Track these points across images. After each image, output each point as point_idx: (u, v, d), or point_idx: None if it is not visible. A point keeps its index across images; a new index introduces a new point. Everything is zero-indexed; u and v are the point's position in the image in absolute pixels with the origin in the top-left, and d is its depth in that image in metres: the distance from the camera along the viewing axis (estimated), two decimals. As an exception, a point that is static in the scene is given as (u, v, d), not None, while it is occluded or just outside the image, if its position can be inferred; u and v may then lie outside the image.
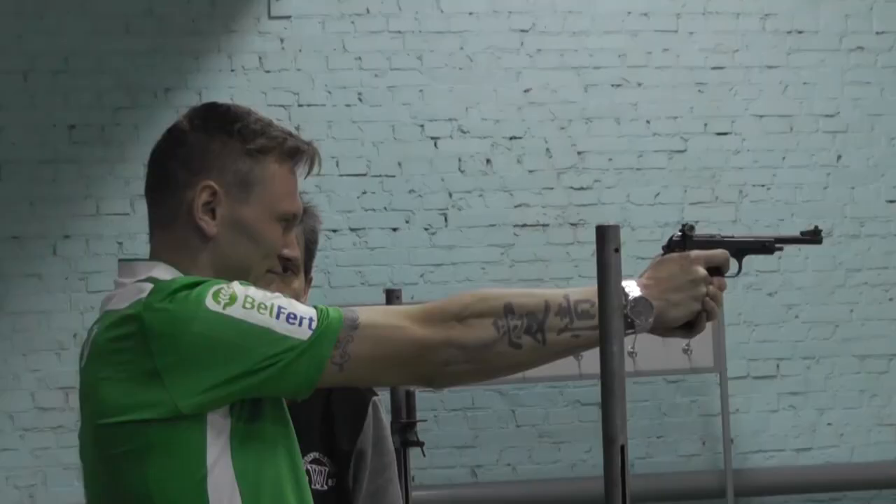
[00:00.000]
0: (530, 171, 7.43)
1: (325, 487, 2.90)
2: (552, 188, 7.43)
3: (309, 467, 2.86)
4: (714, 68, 7.57)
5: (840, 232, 7.61)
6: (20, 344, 6.98)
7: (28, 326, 6.98)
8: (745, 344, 7.50)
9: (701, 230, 7.47)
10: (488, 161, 7.40)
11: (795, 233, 2.60)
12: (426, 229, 7.33)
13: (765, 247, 2.57)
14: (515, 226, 7.39)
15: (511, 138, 7.42)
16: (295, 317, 2.20)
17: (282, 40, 7.27)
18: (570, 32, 7.47)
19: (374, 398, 3.00)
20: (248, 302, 2.19)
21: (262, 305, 2.19)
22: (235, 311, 2.18)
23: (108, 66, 7.10)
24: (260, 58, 7.26)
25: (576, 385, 7.19)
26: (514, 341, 2.26)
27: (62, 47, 7.06)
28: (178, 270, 2.29)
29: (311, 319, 2.20)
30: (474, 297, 2.28)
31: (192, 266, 2.30)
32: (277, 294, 2.25)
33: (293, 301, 2.24)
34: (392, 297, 3.22)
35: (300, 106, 7.25)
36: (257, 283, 2.30)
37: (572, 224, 7.41)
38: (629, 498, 2.18)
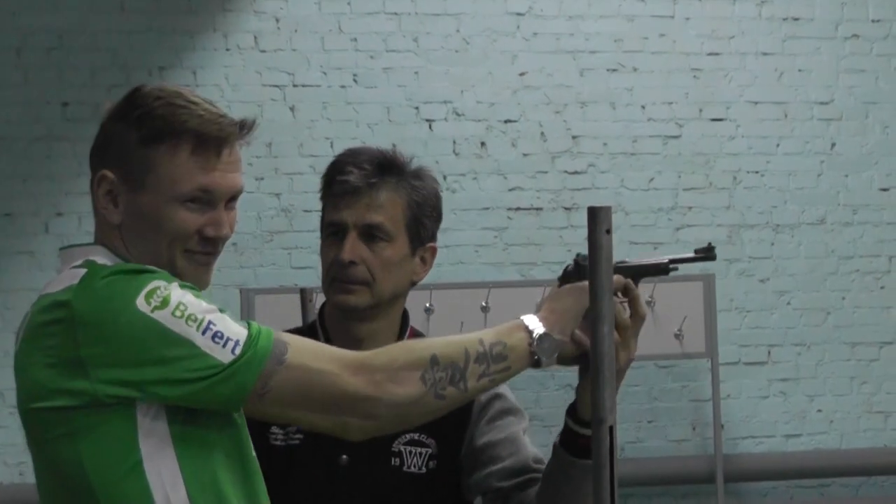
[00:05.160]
0: (525, 155, 7.43)
1: (424, 470, 2.75)
2: (546, 172, 7.43)
3: (402, 449, 2.73)
4: (710, 54, 7.57)
5: (833, 219, 7.62)
6: (12, 321, 6.98)
7: (20, 304, 6.97)
8: (737, 330, 7.51)
9: (695, 216, 7.50)
10: (483, 144, 7.40)
11: (689, 252, 2.58)
12: (420, 211, 7.33)
13: (659, 269, 2.54)
14: (509, 209, 7.39)
15: (506, 121, 7.42)
16: (221, 336, 2.17)
17: (277, 20, 7.26)
18: (566, 16, 7.47)
19: None
20: (178, 309, 2.17)
21: (192, 317, 2.17)
22: (162, 317, 2.16)
23: (103, 43, 7.09)
24: (255, 37, 7.25)
25: (567, 369, 7.18)
26: (440, 393, 2.28)
27: (56, 24, 7.05)
28: (115, 254, 2.29)
29: (236, 343, 2.18)
30: (401, 350, 2.30)
31: (119, 251, 2.29)
32: (215, 308, 2.21)
33: (228, 319, 2.20)
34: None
35: (295, 86, 7.24)
36: (176, 263, 2.28)
37: (566, 208, 7.41)
38: (617, 478, 2.19)
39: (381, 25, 7.32)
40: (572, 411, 2.58)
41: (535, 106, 7.43)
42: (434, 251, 2.84)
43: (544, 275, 7.24)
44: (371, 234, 2.74)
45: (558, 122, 7.45)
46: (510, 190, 7.40)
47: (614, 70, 7.50)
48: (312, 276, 7.06)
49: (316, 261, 7.28)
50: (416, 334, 2.85)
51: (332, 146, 7.22)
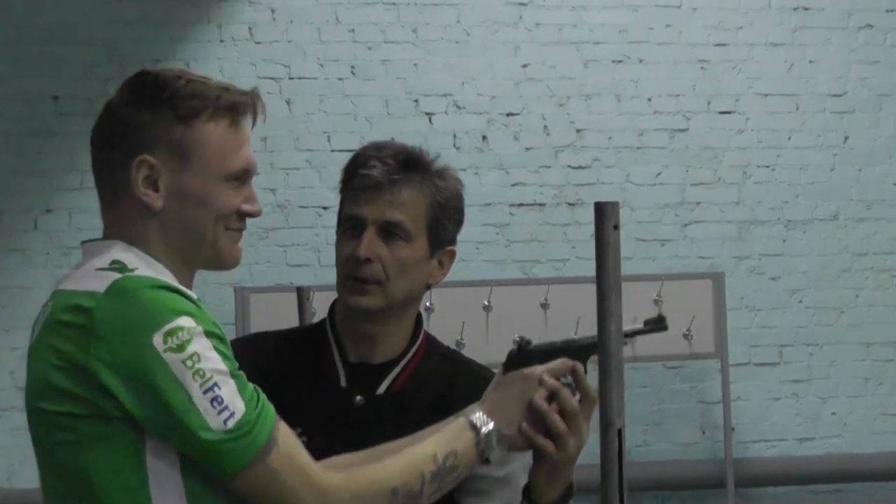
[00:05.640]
0: (527, 149, 7.41)
1: None
2: (549, 167, 7.42)
3: None
4: (717, 45, 7.56)
5: (846, 215, 7.61)
6: (2, 320, 6.98)
7: (8, 302, 6.96)
8: (747, 329, 7.49)
9: (703, 212, 7.39)
10: (484, 138, 7.39)
11: (639, 324, 2.56)
12: (419, 207, 7.31)
13: None
14: (511, 205, 7.37)
15: (508, 115, 7.41)
16: (220, 402, 2.17)
17: (273, 10, 7.25)
18: (569, 6, 7.46)
19: None
20: (190, 359, 2.16)
21: (200, 373, 2.17)
22: (171, 360, 2.16)
23: (96, 35, 7.08)
24: (250, 28, 7.24)
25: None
26: None
27: (48, 16, 7.03)
28: (138, 248, 2.28)
29: (231, 415, 2.18)
30: (366, 483, 2.29)
31: (144, 241, 2.29)
32: (228, 370, 2.20)
33: (234, 387, 2.19)
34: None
35: (291, 79, 7.23)
36: (218, 242, 2.32)
37: (570, 204, 7.40)
38: (626, 484, 2.18)
39: (379, 16, 7.31)
40: (527, 492, 2.58)
41: (538, 99, 7.42)
42: (453, 255, 2.84)
43: (547, 272, 7.24)
44: (390, 232, 2.73)
45: (562, 116, 7.44)
46: (512, 185, 7.39)
47: (619, 61, 7.49)
48: (309, 274, 7.05)
49: (312, 258, 7.33)
50: (429, 339, 2.84)
51: (328, 140, 7.21)
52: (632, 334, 2.49)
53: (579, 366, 2.44)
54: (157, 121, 2.29)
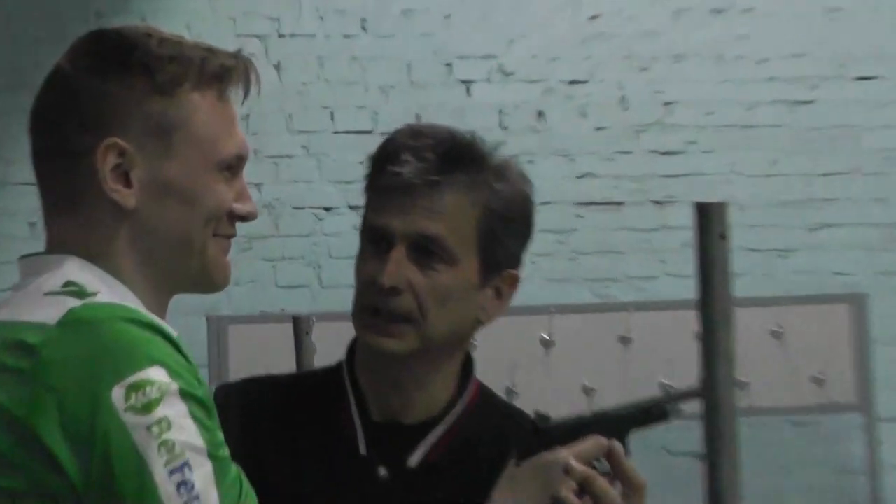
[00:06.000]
0: (598, 129, 7.45)
1: None
2: (629, 152, 7.44)
3: None
4: (854, -12, 7.58)
5: None
6: None
7: None
8: (901, 371, 7.47)
9: (837, 212, 7.34)
10: (540, 114, 7.42)
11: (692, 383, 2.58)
12: (454, 208, 7.33)
13: (651, 414, 2.54)
14: (578, 204, 7.40)
15: (571, 83, 7.46)
16: (189, 489, 2.15)
17: (257, -54, 7.31)
18: (653, -62, 7.51)
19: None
20: (158, 425, 2.15)
21: (168, 445, 2.15)
22: (133, 424, 2.14)
23: (19, -18, 7.15)
24: (226, -30, 7.30)
25: (664, 428, 7.15)
26: None
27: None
28: (97, 265, 2.29)
29: None
30: None
31: (110, 254, 2.29)
32: (205, 449, 2.19)
33: (209, 469, 2.18)
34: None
35: (281, 37, 7.28)
36: (207, 250, 2.33)
37: (656, 202, 7.41)
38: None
39: (398, -47, 7.37)
40: None
41: (612, 61, 7.46)
42: (515, 281, 2.84)
43: (627, 294, 7.25)
44: (425, 251, 2.70)
45: (643, 84, 7.48)
46: (578, 177, 7.42)
47: (720, 11, 7.52)
48: (306, 298, 7.06)
49: (310, 276, 7.31)
50: (483, 392, 2.83)
51: (332, 118, 7.24)
52: (679, 397, 2.54)
53: (617, 445, 2.47)
54: (129, 91, 2.30)
